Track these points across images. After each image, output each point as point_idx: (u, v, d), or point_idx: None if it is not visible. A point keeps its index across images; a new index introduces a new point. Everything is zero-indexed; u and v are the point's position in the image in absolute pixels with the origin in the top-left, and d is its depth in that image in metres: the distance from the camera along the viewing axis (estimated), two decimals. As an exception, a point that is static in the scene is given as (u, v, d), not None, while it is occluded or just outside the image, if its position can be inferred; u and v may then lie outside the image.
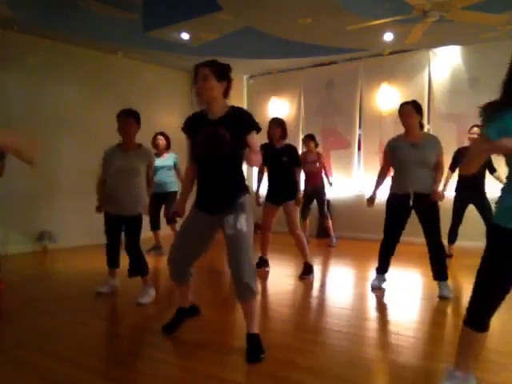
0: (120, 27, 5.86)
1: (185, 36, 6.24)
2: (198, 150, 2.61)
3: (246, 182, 2.76)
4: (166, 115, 8.07)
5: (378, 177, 4.22)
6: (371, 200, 4.20)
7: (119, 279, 4.10)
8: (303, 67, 8.21)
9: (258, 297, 2.66)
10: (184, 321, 3.00)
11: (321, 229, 7.60)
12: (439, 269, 3.85)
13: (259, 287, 2.66)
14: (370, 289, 4.21)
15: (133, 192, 3.80)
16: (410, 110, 3.84)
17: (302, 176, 6.92)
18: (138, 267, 3.82)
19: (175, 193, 5.76)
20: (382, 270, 4.18)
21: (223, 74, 2.57)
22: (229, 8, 5.28)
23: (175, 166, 5.83)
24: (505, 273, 1.87)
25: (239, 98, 8.95)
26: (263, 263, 5.01)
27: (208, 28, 5.95)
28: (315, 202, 6.93)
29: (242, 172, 2.70)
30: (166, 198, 5.68)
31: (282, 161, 4.63)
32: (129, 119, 3.77)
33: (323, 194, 6.88)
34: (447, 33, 5.92)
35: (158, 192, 5.34)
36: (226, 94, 2.62)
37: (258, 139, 2.69)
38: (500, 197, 1.93)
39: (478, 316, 1.93)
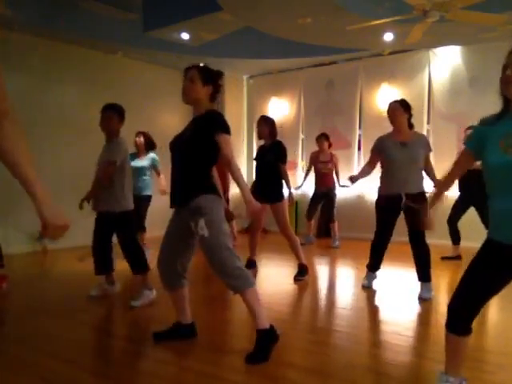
0: (120, 27, 5.86)
1: (185, 36, 6.24)
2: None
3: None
4: (166, 115, 8.07)
5: (363, 168, 4.22)
6: (352, 179, 4.08)
7: (120, 279, 4.09)
8: (303, 67, 8.22)
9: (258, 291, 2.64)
10: (177, 338, 2.82)
11: (321, 229, 7.60)
12: (421, 270, 3.84)
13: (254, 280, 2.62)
14: (370, 289, 4.21)
15: (111, 187, 3.66)
16: (397, 108, 3.85)
17: (312, 176, 6.92)
18: (138, 264, 3.72)
19: (148, 197, 5.56)
20: (372, 266, 4.18)
21: (210, 78, 2.66)
22: (229, 8, 5.28)
23: (154, 168, 5.61)
24: (497, 281, 1.84)
25: (239, 98, 8.96)
26: (251, 265, 4.92)
27: (208, 28, 5.95)
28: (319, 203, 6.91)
29: (203, 172, 2.60)
30: (137, 201, 4.98)
31: (266, 159, 4.61)
32: (108, 113, 3.68)
33: (334, 196, 6.80)
34: (447, 33, 5.92)
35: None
36: (212, 98, 2.70)
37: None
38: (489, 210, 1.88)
39: (463, 322, 1.90)
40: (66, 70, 6.62)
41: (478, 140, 1.91)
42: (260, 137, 4.79)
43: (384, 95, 7.39)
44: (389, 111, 3.92)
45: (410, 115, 3.90)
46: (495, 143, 1.79)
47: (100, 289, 3.93)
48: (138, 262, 3.73)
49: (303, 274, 4.64)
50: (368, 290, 4.16)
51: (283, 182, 4.68)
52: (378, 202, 4.04)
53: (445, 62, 6.93)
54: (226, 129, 2.56)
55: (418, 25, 5.36)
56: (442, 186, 2.24)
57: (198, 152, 2.57)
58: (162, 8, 5.36)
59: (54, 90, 6.48)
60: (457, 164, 2.10)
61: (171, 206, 2.71)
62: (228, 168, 2.57)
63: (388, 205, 3.90)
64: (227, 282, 2.57)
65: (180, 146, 2.64)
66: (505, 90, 1.81)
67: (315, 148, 7.00)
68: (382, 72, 7.39)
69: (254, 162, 4.99)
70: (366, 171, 4.16)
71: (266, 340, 2.58)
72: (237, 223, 8.61)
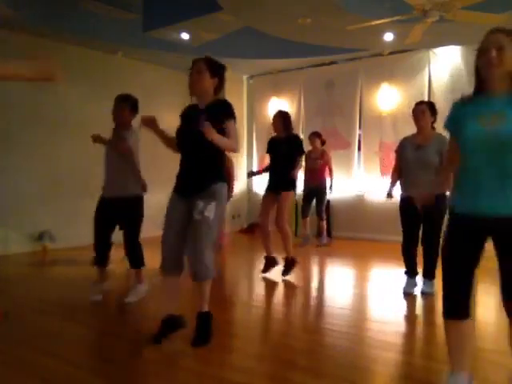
0: (120, 27, 5.86)
1: (185, 36, 6.24)
2: (180, 128, 2.80)
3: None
4: (166, 115, 8.04)
5: (391, 174, 4.23)
6: (388, 195, 4.20)
7: (120, 278, 4.09)
8: (303, 67, 8.21)
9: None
10: (172, 331, 2.83)
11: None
12: (426, 267, 3.89)
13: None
14: (369, 289, 4.21)
15: (120, 174, 3.69)
16: (425, 110, 3.84)
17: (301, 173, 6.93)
18: (134, 259, 3.77)
19: None
20: (408, 272, 4.07)
21: (217, 70, 2.76)
22: (229, 8, 5.27)
23: None
24: (464, 253, 1.93)
25: (239, 98, 8.95)
26: (271, 263, 4.75)
27: (208, 28, 5.95)
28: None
29: (219, 159, 2.77)
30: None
31: (282, 150, 4.61)
32: (121, 105, 3.72)
33: (324, 193, 6.82)
34: (447, 33, 5.92)
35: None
36: (216, 90, 2.79)
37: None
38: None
39: (453, 302, 1.93)
40: (65, 70, 6.54)
41: (454, 118, 1.98)
42: (275, 130, 4.81)
43: (384, 95, 7.39)
44: (415, 112, 3.88)
45: (435, 118, 3.89)
46: (474, 120, 1.85)
47: (99, 292, 3.84)
48: (134, 257, 3.78)
49: (290, 268, 4.63)
50: (409, 296, 4.00)
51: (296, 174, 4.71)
52: (399, 202, 4.04)
53: (445, 62, 6.93)
54: (233, 116, 2.74)
55: (418, 25, 5.36)
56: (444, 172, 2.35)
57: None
58: (162, 8, 5.35)
59: (53, 90, 6.46)
60: (449, 151, 2.12)
61: (183, 195, 2.75)
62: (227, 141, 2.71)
63: (405, 207, 3.90)
64: (198, 268, 2.66)
65: (197, 135, 2.62)
66: (487, 71, 1.84)
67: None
68: (382, 72, 7.38)
69: (255, 154, 5.00)
70: (395, 177, 4.16)
71: (209, 321, 2.81)
72: (235, 223, 8.62)
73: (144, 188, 3.81)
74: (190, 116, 2.81)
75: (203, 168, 2.72)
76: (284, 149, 4.60)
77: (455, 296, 1.93)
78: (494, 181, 1.81)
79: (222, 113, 2.70)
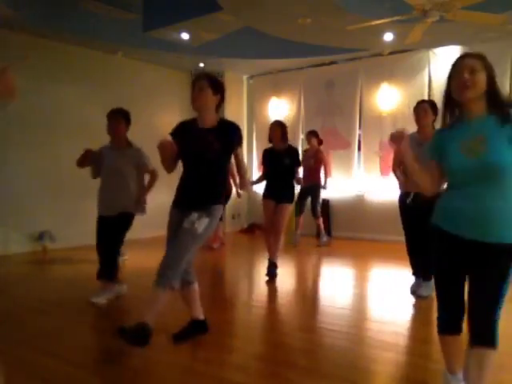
0: (120, 27, 5.86)
1: (185, 36, 6.24)
2: (186, 148, 2.77)
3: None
4: (166, 115, 8.06)
5: (394, 170, 4.18)
6: (407, 195, 4.06)
7: (125, 279, 4.08)
8: (303, 67, 8.21)
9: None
10: (193, 334, 2.87)
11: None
12: (423, 268, 3.84)
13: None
14: (369, 289, 4.20)
15: (118, 192, 3.71)
16: (426, 109, 3.84)
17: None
18: (110, 271, 3.75)
19: None
20: (413, 272, 4.05)
21: (218, 88, 2.83)
22: (229, 8, 5.27)
23: None
24: (449, 272, 1.94)
25: (239, 98, 8.96)
26: (272, 266, 4.68)
27: (208, 28, 5.95)
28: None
29: (222, 181, 2.85)
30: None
31: (284, 163, 4.63)
32: (117, 118, 3.75)
33: (318, 191, 6.82)
34: (447, 33, 5.92)
35: None
36: (217, 108, 2.86)
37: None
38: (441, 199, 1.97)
39: (445, 320, 2.00)
40: (65, 70, 6.61)
41: (437, 147, 1.95)
42: (272, 140, 4.78)
43: (384, 95, 7.39)
44: (417, 110, 3.89)
45: (436, 117, 3.86)
46: (455, 147, 1.85)
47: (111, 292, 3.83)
48: (108, 267, 3.75)
49: (274, 271, 4.62)
50: (414, 297, 3.96)
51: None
52: (398, 202, 4.00)
53: (445, 62, 6.92)
54: (242, 141, 2.90)
55: (418, 25, 5.36)
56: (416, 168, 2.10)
57: (226, 163, 2.84)
58: (162, 8, 5.34)
59: (53, 90, 6.48)
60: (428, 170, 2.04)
61: (181, 209, 2.73)
62: (242, 170, 3.00)
63: (404, 203, 3.90)
64: (165, 275, 2.56)
65: (210, 155, 2.70)
66: (461, 95, 1.84)
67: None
68: (382, 72, 7.38)
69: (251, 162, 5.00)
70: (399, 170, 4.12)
71: (146, 332, 2.53)
72: (235, 223, 8.62)
73: (144, 210, 3.85)
74: (195, 135, 2.78)
75: (206, 188, 2.75)
76: (286, 162, 4.65)
77: (449, 316, 2.00)
78: (481, 207, 1.78)
79: (235, 139, 2.80)
